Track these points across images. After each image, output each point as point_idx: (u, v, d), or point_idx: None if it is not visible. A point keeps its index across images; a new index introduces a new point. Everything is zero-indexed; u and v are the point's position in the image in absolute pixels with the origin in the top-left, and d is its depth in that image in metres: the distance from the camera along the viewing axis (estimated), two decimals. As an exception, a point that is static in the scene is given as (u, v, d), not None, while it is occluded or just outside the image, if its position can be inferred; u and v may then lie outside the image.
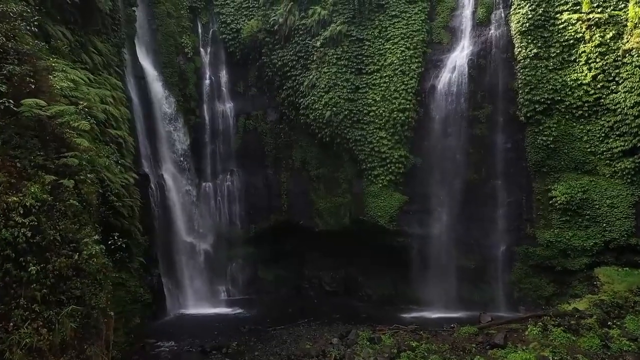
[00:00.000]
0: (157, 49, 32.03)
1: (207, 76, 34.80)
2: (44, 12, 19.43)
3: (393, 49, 30.48)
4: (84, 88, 18.84)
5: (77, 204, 11.26)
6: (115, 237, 13.18)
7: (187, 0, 34.10)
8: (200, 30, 34.95)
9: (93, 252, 11.07)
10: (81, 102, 13.42)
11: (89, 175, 12.15)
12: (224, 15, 34.54)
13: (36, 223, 9.99)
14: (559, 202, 26.70)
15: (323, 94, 31.07)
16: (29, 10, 12.67)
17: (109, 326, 12.07)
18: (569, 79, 26.79)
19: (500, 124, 28.56)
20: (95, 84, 21.78)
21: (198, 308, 29.41)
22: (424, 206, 29.77)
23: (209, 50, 35.07)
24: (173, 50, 32.65)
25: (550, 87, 27.06)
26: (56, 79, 13.01)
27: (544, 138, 27.24)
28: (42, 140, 11.17)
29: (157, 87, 30.53)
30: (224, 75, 35.17)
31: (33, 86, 11.54)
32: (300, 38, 32.32)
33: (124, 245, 15.09)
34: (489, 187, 28.83)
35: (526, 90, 27.44)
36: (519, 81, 27.67)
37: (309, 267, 34.09)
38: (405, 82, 29.85)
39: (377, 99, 30.26)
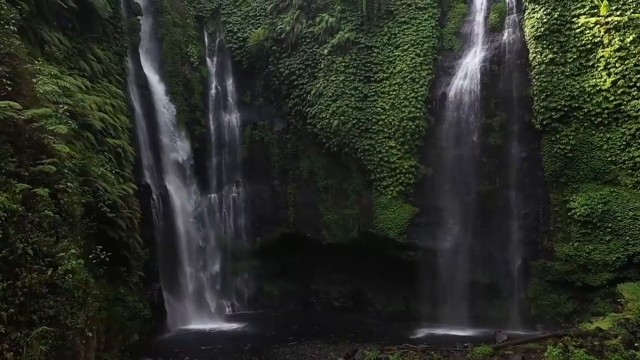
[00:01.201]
0: (162, 58, 31.62)
1: (213, 86, 34.30)
2: (39, 18, 18.97)
3: (402, 56, 29.64)
4: (78, 95, 18.21)
5: (54, 214, 10.38)
6: (98, 250, 12.22)
7: (194, 10, 33.76)
8: (206, 40, 34.56)
9: (69, 267, 10.16)
10: (62, 106, 12.58)
11: (69, 184, 11.29)
12: (230, 24, 34.12)
13: (2, 235, 9.12)
14: (578, 214, 25.36)
15: (330, 102, 30.26)
16: (5, 8, 11.95)
17: (89, 347, 11.13)
18: (587, 85, 25.59)
19: (514, 133, 27.40)
20: (93, 91, 21.21)
21: (201, 323, 28.42)
22: (435, 218, 28.58)
23: (215, 59, 34.59)
24: (178, 59, 32.20)
25: (567, 93, 25.89)
26: (40, 82, 12.25)
27: (561, 147, 26.00)
28: (17, 146, 10.36)
29: (161, 97, 30.00)
30: (230, 85, 34.63)
31: (10, 89, 10.77)
32: (308, 46, 31.67)
33: (109, 259, 14.17)
34: (504, 198, 27.59)
35: (542, 97, 26.30)
36: (534, 88, 26.56)
37: (317, 282, 32.99)
38: (415, 90, 28.92)
39: (386, 108, 29.35)
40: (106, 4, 21.74)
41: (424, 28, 29.69)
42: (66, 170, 11.40)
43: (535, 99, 26.53)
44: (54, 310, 9.89)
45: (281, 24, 32.47)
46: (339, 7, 30.99)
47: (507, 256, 27.50)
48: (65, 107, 13.01)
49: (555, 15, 26.29)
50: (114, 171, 18.63)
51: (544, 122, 26.34)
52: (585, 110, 25.61)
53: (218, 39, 34.59)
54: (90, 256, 12.32)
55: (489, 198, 27.75)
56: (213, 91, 34.13)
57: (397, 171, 28.83)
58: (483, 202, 27.76)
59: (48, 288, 9.93)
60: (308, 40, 31.68)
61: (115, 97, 23.20)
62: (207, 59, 34.31)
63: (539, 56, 26.55)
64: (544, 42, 26.46)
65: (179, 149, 30.72)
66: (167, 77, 31.29)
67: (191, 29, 33.41)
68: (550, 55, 26.23)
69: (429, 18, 29.81)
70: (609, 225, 24.88)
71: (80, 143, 17.40)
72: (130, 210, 21.66)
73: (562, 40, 26.28)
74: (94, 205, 16.93)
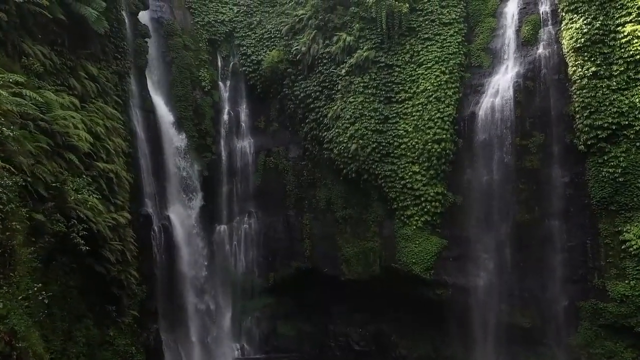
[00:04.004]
0: (171, 82, 30.13)
1: (226, 111, 32.57)
2: (23, 31, 17.43)
3: (426, 75, 27.54)
4: (58, 111, 16.31)
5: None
6: (36, 288, 9.80)
7: (207, 33, 32.41)
8: (219, 64, 33.03)
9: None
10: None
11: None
12: (244, 47, 32.64)
13: None
14: (634, 247, 22.07)
15: (348, 125, 28.13)
16: None
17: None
18: (638, 100, 22.69)
19: (555, 155, 24.75)
20: (83, 111, 19.36)
21: (205, 369, 25.73)
22: (466, 252, 26.05)
23: (228, 83, 32.96)
24: (189, 83, 30.59)
25: (615, 110, 23.02)
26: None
27: (610, 170, 22.99)
28: None
29: (167, 122, 28.28)
30: (243, 110, 32.87)
31: None
32: (324, 67, 29.90)
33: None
34: (545, 228, 24.71)
35: (585, 115, 23.52)
36: (576, 104, 23.84)
37: (335, 322, 30.24)
38: (441, 110, 26.65)
39: (409, 130, 27.20)
40: (100, 17, 20.08)
41: (449, 44, 27.74)
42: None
43: (578, 116, 23.85)
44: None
45: (297, 45, 30.81)
46: (357, 25, 29.19)
47: (550, 296, 24.52)
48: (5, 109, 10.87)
49: (597, 25, 23.69)
50: (93, 196, 16.36)
51: (589, 143, 23.51)
52: (637, 128, 22.68)
53: (232, 63, 33.02)
54: (22, 297, 9.86)
55: (528, 229, 25.01)
56: (225, 116, 32.32)
57: (422, 199, 26.48)
58: (521, 233, 25.09)
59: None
60: (325, 61, 29.86)
61: (111, 118, 21.34)
62: (220, 83, 32.68)
63: (579, 70, 23.90)
64: (585, 54, 23.85)
65: (186, 177, 28.70)
66: (175, 101, 29.65)
67: (203, 53, 31.94)
68: (593, 69, 23.54)
69: (455, 34, 27.92)
70: (672, 260, 21.44)
71: (55, 164, 15.36)
72: (120, 242, 19.48)
73: (605, 51, 23.60)
74: (66, 235, 14.77)
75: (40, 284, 10.43)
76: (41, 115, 15.00)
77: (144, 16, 28.40)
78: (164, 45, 30.27)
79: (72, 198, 14.98)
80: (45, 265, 14.99)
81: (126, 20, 25.57)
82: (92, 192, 16.29)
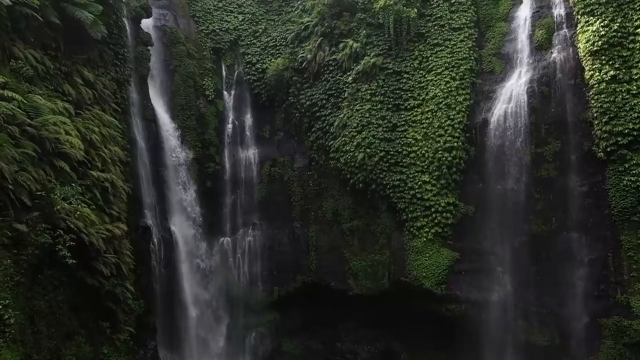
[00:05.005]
0: (173, 90, 29.44)
1: (230, 120, 31.75)
2: (15, 34, 16.85)
3: (436, 81, 26.71)
4: (48, 116, 15.56)
5: None
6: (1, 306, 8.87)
7: (211, 42, 31.80)
8: (224, 72, 32.33)
9: None
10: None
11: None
12: (249, 56, 31.99)
13: None
14: (660, 260, 20.71)
15: (355, 133, 27.23)
16: None
17: None
18: (660, 105, 21.50)
19: (572, 163, 23.67)
20: (78, 118, 18.64)
21: (206, 388, 24.62)
22: (479, 265, 24.95)
23: (232, 92, 32.22)
24: (192, 92, 29.90)
25: (636, 115, 22.05)
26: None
27: (631, 178, 21.87)
28: None
29: (169, 131, 27.66)
30: (248, 119, 32.07)
31: None
32: (331, 75, 29.15)
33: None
34: (563, 241, 23.54)
35: (604, 121, 22.44)
36: (594, 110, 22.79)
37: (343, 339, 29.03)
38: (452, 117, 25.76)
39: (419, 138, 26.31)
40: (97, 21, 19.45)
41: (459, 50, 26.95)
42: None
43: (596, 122, 22.79)
44: None
45: (302, 53, 30.10)
46: (364, 31, 28.51)
47: (570, 312, 23.28)
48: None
49: (615, 27, 22.77)
50: (82, 206, 15.49)
51: (609, 150, 22.42)
52: (660, 134, 21.43)
53: (236, 72, 32.32)
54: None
55: (545, 241, 23.90)
56: (229, 126, 31.50)
57: (433, 210, 25.49)
58: (537, 245, 23.97)
59: None
60: (331, 69, 29.14)
61: (108, 126, 20.64)
62: (224, 92, 31.95)
63: (597, 74, 22.89)
64: (603, 57, 22.89)
65: (188, 187, 27.87)
66: (178, 110, 28.95)
67: (207, 61, 31.28)
68: (612, 72, 22.55)
69: (465, 39, 27.16)
70: (701, 274, 20.12)
71: (43, 172, 14.55)
72: (116, 255, 18.60)
73: (624, 54, 22.69)
74: (51, 247, 13.91)
75: (7, 301, 9.50)
76: (28, 120, 14.26)
77: (147, 24, 27.90)
78: (167, 54, 29.65)
79: (60, 207, 14.10)
80: (30, 279, 14.16)
81: (127, 27, 25.07)
82: (83, 201, 15.43)
